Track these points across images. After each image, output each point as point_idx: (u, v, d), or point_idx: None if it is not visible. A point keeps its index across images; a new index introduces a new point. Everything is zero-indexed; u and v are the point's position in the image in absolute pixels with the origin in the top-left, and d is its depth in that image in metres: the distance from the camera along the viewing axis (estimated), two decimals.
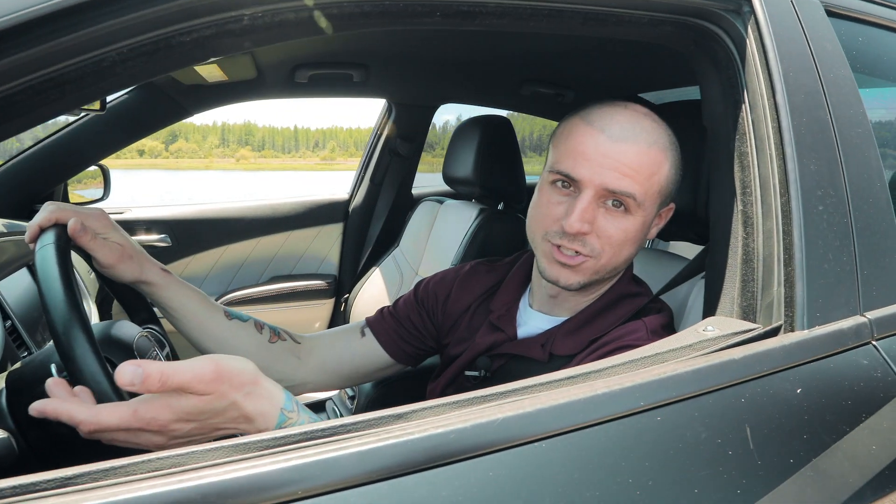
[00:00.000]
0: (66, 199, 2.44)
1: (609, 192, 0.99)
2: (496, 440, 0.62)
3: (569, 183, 1.02)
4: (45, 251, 0.93)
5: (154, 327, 1.35)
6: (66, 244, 0.95)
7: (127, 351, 1.08)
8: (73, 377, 0.86)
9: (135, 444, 0.71)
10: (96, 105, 1.78)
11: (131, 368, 0.66)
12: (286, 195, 3.05)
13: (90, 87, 0.68)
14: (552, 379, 0.71)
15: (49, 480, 0.53)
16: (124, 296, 1.33)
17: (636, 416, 0.68)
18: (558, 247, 1.02)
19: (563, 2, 0.91)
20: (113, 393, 0.87)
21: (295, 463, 0.56)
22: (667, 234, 1.43)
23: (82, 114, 2.04)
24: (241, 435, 0.63)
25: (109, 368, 1.01)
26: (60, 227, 0.97)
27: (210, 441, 0.66)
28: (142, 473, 0.55)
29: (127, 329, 1.14)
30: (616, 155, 0.98)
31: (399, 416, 0.63)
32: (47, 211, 0.97)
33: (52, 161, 2.18)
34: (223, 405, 0.72)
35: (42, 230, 0.96)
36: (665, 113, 1.10)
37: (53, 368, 0.93)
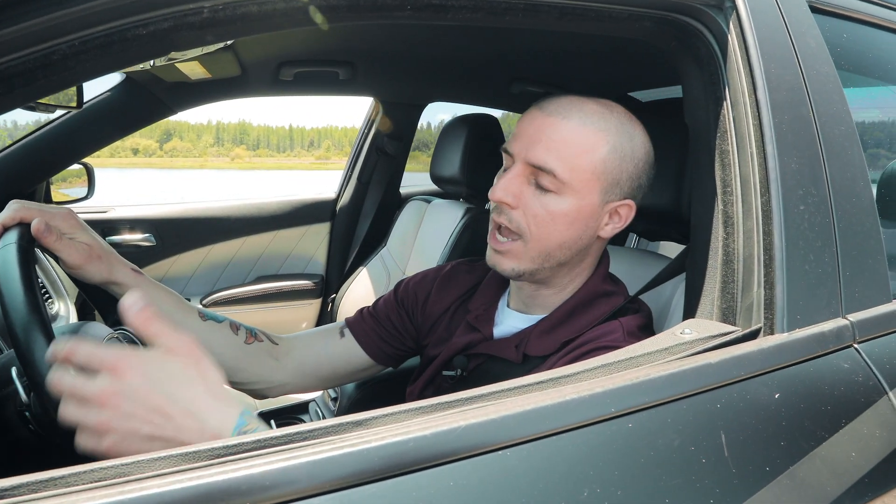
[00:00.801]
0: (48, 197, 2.40)
1: (533, 167, 0.99)
2: (458, 448, 0.59)
3: (507, 164, 1.05)
4: (7, 251, 0.90)
5: (127, 329, 1.33)
6: (28, 244, 0.93)
7: None
8: (32, 381, 0.84)
9: (82, 423, 0.67)
10: (73, 102, 1.75)
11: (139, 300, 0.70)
12: (275, 194, 3.02)
13: (40, 81, 0.65)
14: (521, 384, 0.68)
15: None
16: (97, 296, 1.31)
17: (606, 423, 0.66)
18: (498, 229, 1.04)
19: None
20: None
21: (244, 473, 0.54)
22: (650, 233, 1.41)
23: (58, 112, 2.00)
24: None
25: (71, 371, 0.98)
26: (24, 227, 0.94)
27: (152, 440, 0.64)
28: (83, 484, 0.53)
29: (96, 331, 1.12)
30: (545, 128, 0.99)
31: (358, 424, 0.60)
32: (11, 210, 0.95)
33: (33, 159, 2.15)
34: (182, 374, 0.69)
35: (5, 229, 0.94)
36: (650, 111, 1.08)
37: (14, 372, 0.91)
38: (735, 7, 0.98)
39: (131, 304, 0.69)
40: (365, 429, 0.60)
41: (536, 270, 1.04)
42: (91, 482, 0.53)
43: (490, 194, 1.02)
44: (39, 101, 1.60)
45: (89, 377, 0.67)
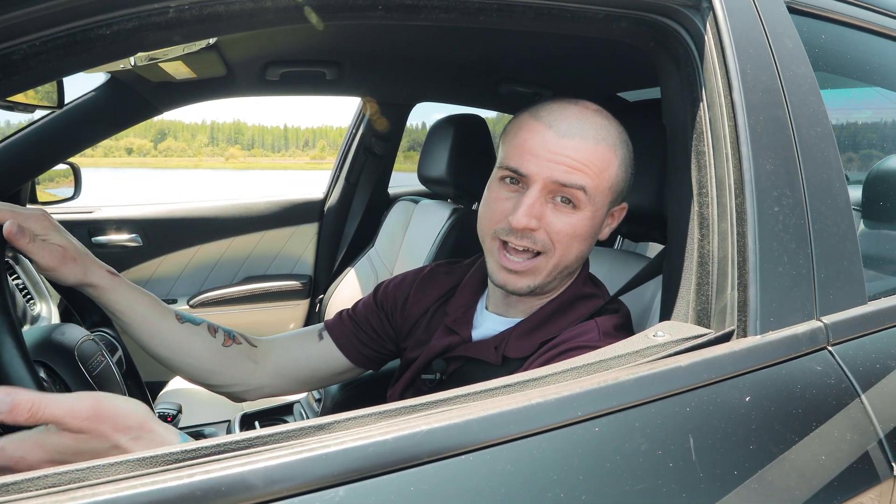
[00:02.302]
0: (33, 197, 2.39)
1: (559, 186, 0.97)
2: (419, 453, 0.59)
3: (517, 179, 1.01)
4: None
5: (106, 330, 1.32)
6: (0, 247, 0.92)
7: (69, 356, 1.05)
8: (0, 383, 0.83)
9: None
10: (54, 102, 1.74)
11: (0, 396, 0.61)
12: (267, 195, 3.01)
13: (0, 82, 0.65)
14: (487, 388, 0.68)
15: None
16: (74, 298, 1.30)
17: (572, 427, 0.66)
18: (504, 244, 1.01)
19: None
20: None
21: (200, 478, 0.53)
22: (634, 234, 1.41)
23: (39, 112, 1.99)
24: None
25: (41, 374, 0.98)
26: None
27: None
28: (37, 490, 0.52)
29: (71, 333, 1.11)
30: (563, 150, 0.97)
31: (320, 428, 0.60)
32: None
33: (17, 159, 2.13)
34: (102, 447, 0.65)
35: None
36: (635, 111, 1.07)
37: None
38: (712, 7, 0.97)
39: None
40: (327, 433, 0.60)
41: (549, 283, 1.04)
42: (44, 487, 0.52)
43: (514, 222, 0.97)
44: (17, 101, 1.59)
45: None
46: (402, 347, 1.26)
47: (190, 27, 0.74)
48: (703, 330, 0.84)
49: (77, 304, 1.32)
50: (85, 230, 2.54)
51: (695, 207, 0.93)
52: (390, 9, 0.83)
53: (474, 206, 2.41)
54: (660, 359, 0.76)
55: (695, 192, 0.94)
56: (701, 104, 0.96)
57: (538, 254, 1.01)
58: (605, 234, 1.08)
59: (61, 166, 2.37)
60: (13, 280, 1.86)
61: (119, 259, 2.61)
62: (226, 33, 0.78)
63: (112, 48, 0.71)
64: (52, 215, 1.02)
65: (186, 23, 0.73)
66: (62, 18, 0.64)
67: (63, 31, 0.65)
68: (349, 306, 1.34)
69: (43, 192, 2.48)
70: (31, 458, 0.64)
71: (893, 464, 0.83)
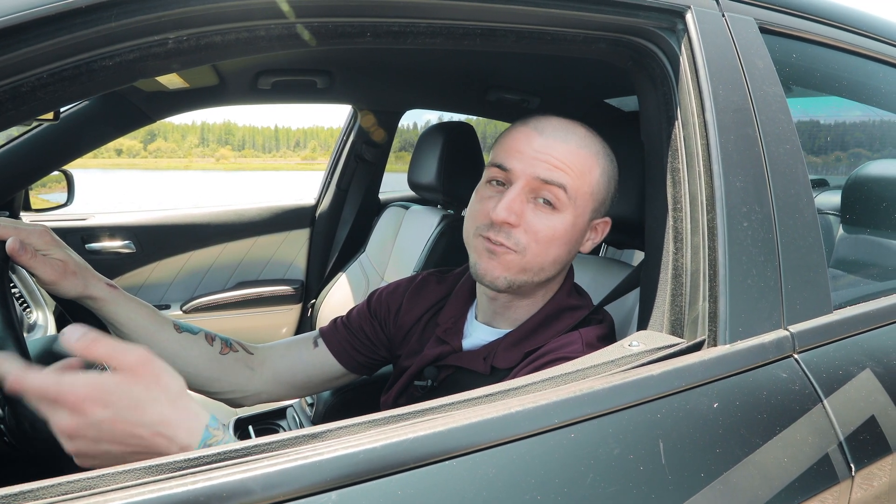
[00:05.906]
0: (27, 204, 2.41)
1: (540, 183, 1.01)
2: (406, 459, 0.63)
3: (503, 179, 1.05)
4: None
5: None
6: (3, 262, 0.96)
7: None
8: (5, 395, 0.86)
9: (51, 421, 0.69)
10: (49, 115, 1.77)
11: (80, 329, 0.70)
12: (258, 199, 3.04)
13: (10, 112, 0.69)
14: (470, 397, 0.72)
15: None
16: (73, 309, 1.33)
17: (550, 434, 0.70)
18: (487, 239, 1.04)
19: (495, 21, 0.93)
20: None
21: (204, 485, 0.57)
22: (618, 242, 1.46)
23: (35, 123, 2.02)
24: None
25: None
26: None
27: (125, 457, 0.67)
28: (51, 497, 0.56)
29: None
30: (548, 150, 1.02)
31: (314, 436, 0.64)
32: None
33: (11, 168, 2.16)
34: (144, 396, 0.70)
35: None
36: (621, 122, 1.11)
37: None
38: (687, 30, 1.02)
39: (71, 336, 0.71)
40: (320, 441, 0.64)
41: (525, 283, 1.07)
42: (59, 495, 0.56)
43: (493, 216, 1.01)
44: None
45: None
46: (395, 355, 1.30)
47: (188, 56, 0.78)
48: (676, 339, 0.88)
49: (75, 315, 1.35)
50: (78, 237, 2.57)
51: (670, 222, 0.98)
52: (379, 35, 0.87)
53: (463, 213, 2.44)
54: (633, 368, 0.81)
55: (670, 207, 0.99)
56: (676, 123, 1.00)
57: (515, 253, 1.03)
58: (587, 247, 1.11)
59: (54, 172, 2.40)
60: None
61: (112, 266, 2.64)
62: (222, 60, 0.82)
63: (114, 77, 0.75)
64: (46, 223, 1.06)
65: (184, 52, 0.77)
66: (68, 52, 0.68)
67: (69, 63, 0.69)
68: (341, 311, 1.38)
69: (36, 199, 2.51)
70: (79, 390, 0.69)
71: (852, 465, 0.88)
